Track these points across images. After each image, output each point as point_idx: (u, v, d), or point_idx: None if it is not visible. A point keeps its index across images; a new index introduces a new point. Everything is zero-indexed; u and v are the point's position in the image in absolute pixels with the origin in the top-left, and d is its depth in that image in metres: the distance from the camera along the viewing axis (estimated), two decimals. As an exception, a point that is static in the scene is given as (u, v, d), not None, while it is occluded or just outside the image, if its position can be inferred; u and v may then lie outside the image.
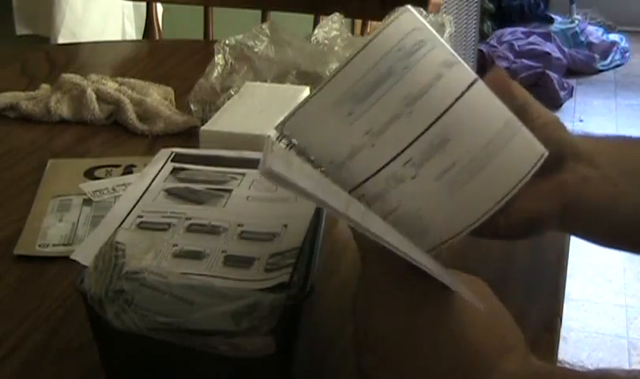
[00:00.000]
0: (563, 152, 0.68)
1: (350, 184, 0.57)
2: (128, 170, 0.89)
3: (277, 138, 0.59)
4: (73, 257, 0.62)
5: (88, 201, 0.83)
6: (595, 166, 0.68)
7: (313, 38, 1.07)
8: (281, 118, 0.59)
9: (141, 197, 0.69)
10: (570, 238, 0.78)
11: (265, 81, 1.00)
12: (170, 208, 0.67)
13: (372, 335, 0.55)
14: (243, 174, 0.71)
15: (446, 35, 1.03)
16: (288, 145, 0.59)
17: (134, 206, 0.67)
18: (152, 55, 1.38)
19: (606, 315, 2.25)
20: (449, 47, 0.61)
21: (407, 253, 0.50)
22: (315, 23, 1.43)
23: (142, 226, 0.65)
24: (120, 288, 0.53)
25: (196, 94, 1.01)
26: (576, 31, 3.81)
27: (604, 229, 0.71)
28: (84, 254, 0.59)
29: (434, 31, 0.60)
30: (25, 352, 0.64)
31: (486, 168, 0.58)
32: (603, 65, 3.76)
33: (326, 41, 1.06)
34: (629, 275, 2.36)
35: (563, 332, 0.69)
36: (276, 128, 0.59)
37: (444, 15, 1.05)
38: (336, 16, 1.09)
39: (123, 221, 0.65)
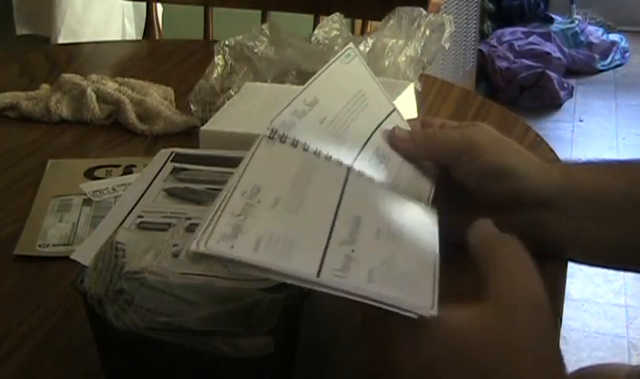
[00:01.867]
0: (517, 199, 0.70)
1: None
2: (128, 170, 0.89)
3: (270, 136, 0.61)
4: (73, 256, 0.62)
5: (88, 201, 0.83)
6: (556, 209, 0.70)
7: (313, 38, 1.07)
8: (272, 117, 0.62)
9: (141, 197, 0.69)
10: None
11: (265, 82, 1.00)
12: (170, 208, 0.67)
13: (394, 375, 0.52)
14: (243, 174, 0.71)
15: (446, 34, 1.03)
16: (281, 139, 0.61)
17: (134, 206, 0.67)
18: (152, 55, 1.38)
19: (606, 315, 2.25)
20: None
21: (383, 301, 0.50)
22: (315, 23, 1.43)
23: (142, 226, 0.65)
24: (120, 288, 0.53)
25: (196, 95, 1.01)
26: (576, 31, 3.81)
27: (579, 259, 0.73)
28: (85, 254, 0.59)
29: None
30: (25, 352, 0.64)
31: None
32: (603, 65, 3.75)
33: (326, 41, 1.06)
34: (629, 275, 2.36)
35: (563, 332, 0.69)
36: (269, 130, 0.62)
37: (444, 15, 1.05)
38: (336, 16, 1.09)
39: (123, 221, 0.65)
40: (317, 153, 0.62)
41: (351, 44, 0.71)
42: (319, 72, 0.66)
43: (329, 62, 0.67)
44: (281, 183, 0.57)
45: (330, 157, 0.62)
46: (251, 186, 0.55)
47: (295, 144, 0.61)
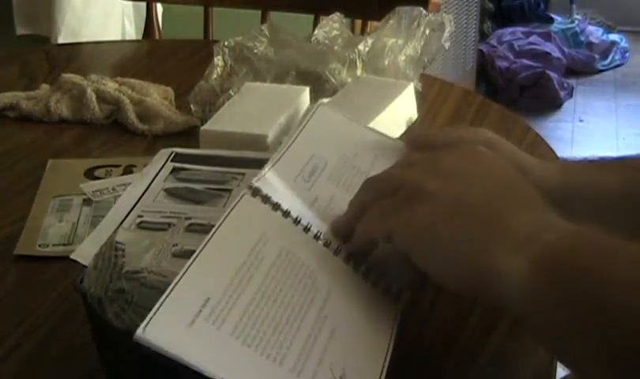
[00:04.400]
0: None
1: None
2: (128, 170, 0.89)
3: (252, 195, 0.61)
4: (73, 256, 0.62)
5: (88, 201, 0.83)
6: (557, 206, 0.69)
7: (313, 38, 1.07)
8: (255, 178, 0.62)
9: (140, 197, 0.69)
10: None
11: (265, 82, 1.00)
12: (170, 207, 0.67)
13: None
14: (243, 174, 0.71)
15: (446, 34, 1.03)
16: (263, 200, 0.61)
17: (134, 206, 0.67)
18: (152, 55, 1.38)
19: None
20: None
21: None
22: (315, 23, 1.43)
23: (142, 226, 0.65)
24: (120, 288, 0.53)
25: (195, 96, 1.01)
26: (576, 31, 3.81)
27: None
28: (84, 254, 0.60)
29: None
30: (25, 352, 0.64)
31: None
32: (603, 65, 3.75)
33: (326, 41, 1.06)
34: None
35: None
36: (251, 188, 0.61)
37: (444, 14, 1.05)
38: (336, 15, 1.09)
39: (123, 221, 0.65)
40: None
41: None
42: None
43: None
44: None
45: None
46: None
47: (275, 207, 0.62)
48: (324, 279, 0.57)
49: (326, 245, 0.61)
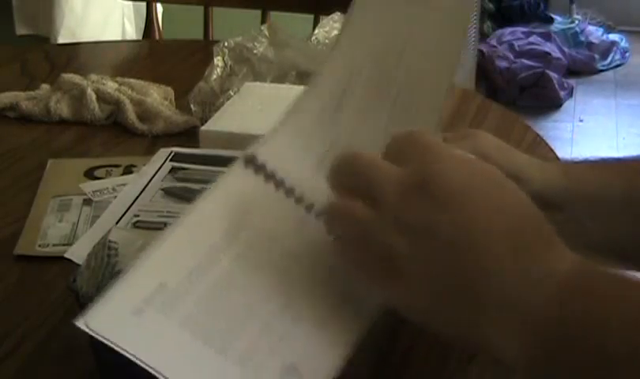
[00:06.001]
0: None
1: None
2: (128, 170, 0.89)
3: (245, 166, 0.56)
4: (67, 255, 0.62)
5: (88, 201, 0.83)
6: (560, 210, 0.69)
7: (313, 38, 1.07)
8: (251, 149, 0.57)
9: (138, 196, 0.69)
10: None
11: (265, 83, 1.00)
12: (166, 207, 0.67)
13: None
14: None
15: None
16: (256, 171, 0.56)
17: (131, 205, 0.67)
18: (152, 55, 1.38)
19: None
20: None
21: None
22: (315, 23, 1.43)
23: (138, 225, 0.65)
24: (111, 287, 0.53)
25: (195, 97, 1.01)
26: (576, 31, 3.81)
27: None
28: (79, 253, 0.60)
29: None
30: (25, 352, 0.64)
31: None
32: (603, 65, 3.75)
33: (327, 41, 1.06)
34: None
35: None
36: (245, 157, 0.57)
37: (444, 15, 1.05)
38: (336, 15, 1.09)
39: (119, 220, 0.65)
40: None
41: None
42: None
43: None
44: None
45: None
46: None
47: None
48: (305, 258, 0.54)
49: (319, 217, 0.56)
